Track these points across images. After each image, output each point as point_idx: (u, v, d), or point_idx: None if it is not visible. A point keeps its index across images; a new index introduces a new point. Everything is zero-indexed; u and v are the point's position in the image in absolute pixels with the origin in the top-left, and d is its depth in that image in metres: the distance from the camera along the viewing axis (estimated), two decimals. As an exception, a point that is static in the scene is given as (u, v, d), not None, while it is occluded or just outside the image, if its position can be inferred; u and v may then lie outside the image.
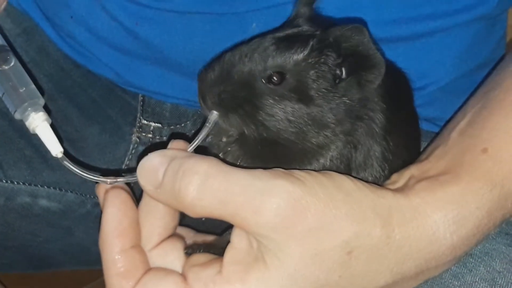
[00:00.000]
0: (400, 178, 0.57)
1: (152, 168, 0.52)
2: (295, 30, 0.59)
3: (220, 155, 0.60)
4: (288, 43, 0.57)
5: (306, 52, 0.56)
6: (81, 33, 0.74)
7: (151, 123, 0.81)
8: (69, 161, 0.56)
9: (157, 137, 0.81)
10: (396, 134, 0.60)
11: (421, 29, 0.69)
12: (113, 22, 0.72)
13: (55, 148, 0.56)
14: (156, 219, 0.57)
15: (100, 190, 0.58)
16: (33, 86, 0.58)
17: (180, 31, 0.70)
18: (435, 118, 0.74)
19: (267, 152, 0.58)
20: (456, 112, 0.63)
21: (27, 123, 0.57)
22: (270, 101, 0.56)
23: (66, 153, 0.57)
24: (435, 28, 0.69)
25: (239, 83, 0.56)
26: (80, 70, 0.79)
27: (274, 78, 0.56)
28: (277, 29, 0.61)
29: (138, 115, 0.81)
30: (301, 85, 0.56)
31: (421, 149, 0.65)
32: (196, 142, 0.57)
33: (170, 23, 0.70)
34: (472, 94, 0.64)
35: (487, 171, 0.55)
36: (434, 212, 0.52)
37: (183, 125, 0.81)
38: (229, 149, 0.60)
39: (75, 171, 0.56)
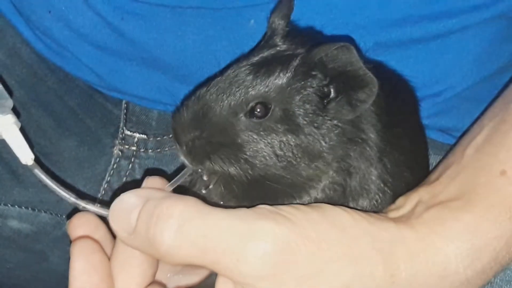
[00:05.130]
0: (407, 203, 0.56)
1: (124, 211, 0.51)
2: (272, 51, 0.58)
3: (202, 191, 0.59)
4: (267, 68, 0.56)
5: (290, 75, 0.55)
6: (60, 29, 0.72)
7: (135, 134, 0.79)
8: (40, 169, 0.54)
9: (142, 149, 0.79)
10: (394, 154, 0.59)
11: (435, 29, 0.67)
12: (96, 17, 0.70)
13: (25, 155, 0.55)
14: (132, 268, 0.55)
15: (72, 229, 0.57)
16: (0, 86, 0.58)
17: (171, 28, 0.68)
18: (451, 129, 0.72)
19: (252, 189, 0.57)
20: (472, 125, 0.61)
21: None
22: (254, 136, 0.55)
23: (38, 162, 0.55)
24: (450, 27, 0.67)
25: (217, 126, 0.56)
26: (56, 75, 0.77)
27: (258, 110, 0.55)
28: (252, 51, 0.60)
29: (121, 125, 0.79)
30: (288, 114, 0.55)
31: (435, 163, 0.63)
32: (174, 182, 0.56)
33: (159, 19, 0.68)
34: (490, 104, 0.62)
35: (505, 197, 0.53)
36: (444, 244, 0.51)
37: (170, 136, 0.78)
38: (211, 187, 0.59)
39: (46, 182, 0.55)
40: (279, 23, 0.60)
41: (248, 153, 0.55)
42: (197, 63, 0.67)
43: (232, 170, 0.55)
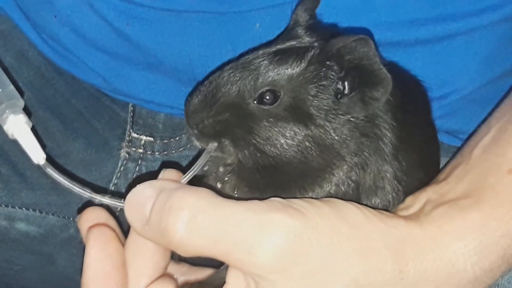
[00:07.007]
0: (416, 202, 0.56)
1: (139, 202, 0.52)
2: (291, 42, 0.58)
3: (217, 184, 0.59)
4: (282, 57, 0.56)
5: (303, 66, 0.55)
6: (66, 34, 0.72)
7: (142, 136, 0.79)
8: (53, 168, 0.54)
9: (149, 152, 0.79)
10: (409, 152, 0.59)
11: (442, 31, 0.67)
12: (101, 22, 0.70)
13: (37, 154, 0.55)
14: (144, 259, 0.56)
15: (82, 224, 0.57)
16: (12, 87, 0.57)
17: (176, 32, 0.68)
18: (457, 131, 0.72)
19: (266, 180, 0.57)
20: (479, 126, 0.61)
21: (5, 127, 0.55)
22: (265, 123, 0.55)
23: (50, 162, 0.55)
24: (457, 30, 0.67)
25: (225, 106, 0.56)
26: (63, 77, 0.77)
27: (267, 97, 0.55)
28: (272, 41, 0.60)
29: (128, 127, 0.79)
30: (299, 103, 0.55)
31: (441, 165, 0.63)
32: (190, 174, 0.56)
33: (164, 24, 0.68)
34: (497, 105, 0.62)
35: None
36: (453, 242, 0.51)
37: (177, 138, 0.79)
38: (226, 178, 0.59)
39: (60, 180, 0.54)
40: (302, 15, 0.60)
41: (258, 140, 0.55)
42: (203, 67, 0.67)
43: (243, 153, 0.56)
